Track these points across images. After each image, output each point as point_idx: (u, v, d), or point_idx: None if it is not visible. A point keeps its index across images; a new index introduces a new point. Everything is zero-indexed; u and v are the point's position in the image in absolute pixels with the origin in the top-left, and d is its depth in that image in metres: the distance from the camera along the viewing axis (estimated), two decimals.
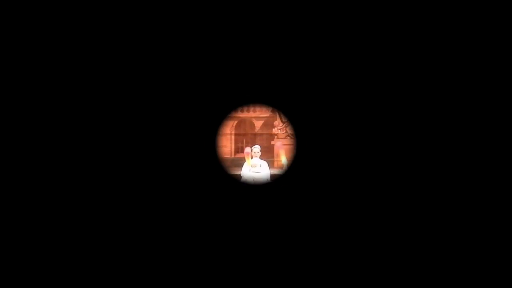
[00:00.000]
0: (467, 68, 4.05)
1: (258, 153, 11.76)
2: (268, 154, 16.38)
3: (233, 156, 16.36)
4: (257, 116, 17.15)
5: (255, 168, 10.84)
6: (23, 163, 4.08)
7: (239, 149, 17.09)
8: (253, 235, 4.15)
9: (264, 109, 17.11)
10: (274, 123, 17.06)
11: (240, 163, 12.28)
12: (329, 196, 4.13)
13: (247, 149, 11.91)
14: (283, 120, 17.02)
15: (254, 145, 12.10)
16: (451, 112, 4.05)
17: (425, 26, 4.04)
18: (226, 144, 16.76)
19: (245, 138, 17.06)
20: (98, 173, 4.11)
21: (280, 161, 12.51)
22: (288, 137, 16.99)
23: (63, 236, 4.09)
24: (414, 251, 4.07)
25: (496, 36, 4.03)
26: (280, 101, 4.16)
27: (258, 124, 17.14)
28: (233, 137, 17.04)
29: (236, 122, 17.09)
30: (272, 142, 16.96)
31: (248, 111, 17.15)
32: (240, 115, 17.13)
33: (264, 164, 11.23)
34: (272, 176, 11.29)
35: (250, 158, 11.86)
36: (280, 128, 17.01)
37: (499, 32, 4.03)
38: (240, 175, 11.22)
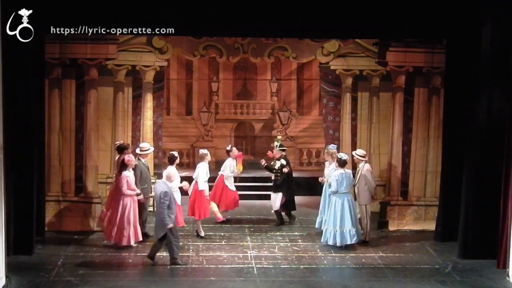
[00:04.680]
0: None
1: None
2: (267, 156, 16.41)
3: None
4: (257, 118, 17.21)
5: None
6: None
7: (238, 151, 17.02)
8: None
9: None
10: (274, 125, 17.11)
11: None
12: None
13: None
14: (283, 123, 17.06)
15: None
16: None
17: None
18: (226, 147, 16.77)
19: (245, 140, 17.12)
20: None
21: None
22: (288, 139, 17.01)
23: None
24: None
25: None
26: None
27: (258, 126, 17.20)
28: (233, 139, 17.11)
29: (236, 124, 17.17)
30: (272, 146, 16.99)
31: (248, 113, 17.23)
32: (240, 118, 17.20)
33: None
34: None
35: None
36: (280, 131, 17.02)
37: None
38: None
